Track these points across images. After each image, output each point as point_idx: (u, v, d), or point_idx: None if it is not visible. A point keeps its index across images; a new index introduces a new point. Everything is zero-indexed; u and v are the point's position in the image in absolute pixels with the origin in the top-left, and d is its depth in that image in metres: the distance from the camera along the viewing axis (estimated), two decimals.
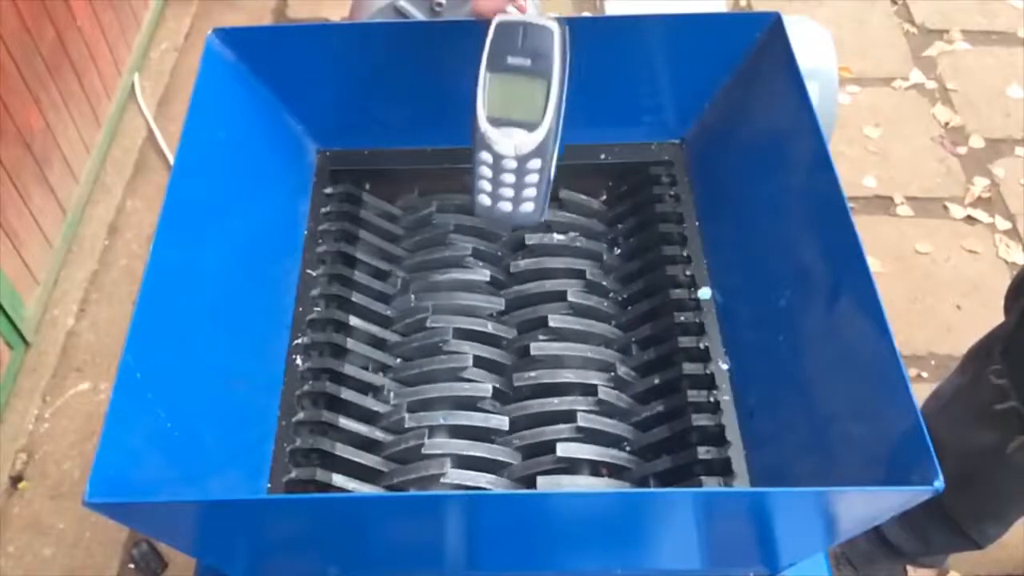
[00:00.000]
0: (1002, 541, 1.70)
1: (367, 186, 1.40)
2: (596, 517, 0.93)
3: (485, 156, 1.06)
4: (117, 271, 2.51)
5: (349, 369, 1.19)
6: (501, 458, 1.12)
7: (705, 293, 1.23)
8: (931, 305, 2.45)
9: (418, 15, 1.55)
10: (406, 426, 1.15)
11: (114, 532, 2.05)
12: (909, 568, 2.01)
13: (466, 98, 1.35)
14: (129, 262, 2.54)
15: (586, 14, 2.88)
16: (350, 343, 1.21)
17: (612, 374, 1.21)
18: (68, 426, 2.22)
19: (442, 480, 1.09)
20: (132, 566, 2.02)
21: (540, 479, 1.10)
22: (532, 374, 1.19)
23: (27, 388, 2.24)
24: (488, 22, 1.04)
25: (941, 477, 0.82)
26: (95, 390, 2.29)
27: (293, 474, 1.09)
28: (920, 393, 0.87)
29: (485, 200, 1.09)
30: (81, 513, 2.05)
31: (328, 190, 1.36)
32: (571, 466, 1.12)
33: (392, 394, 1.20)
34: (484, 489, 1.09)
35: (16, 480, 2.12)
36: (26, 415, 2.20)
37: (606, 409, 1.17)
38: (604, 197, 1.42)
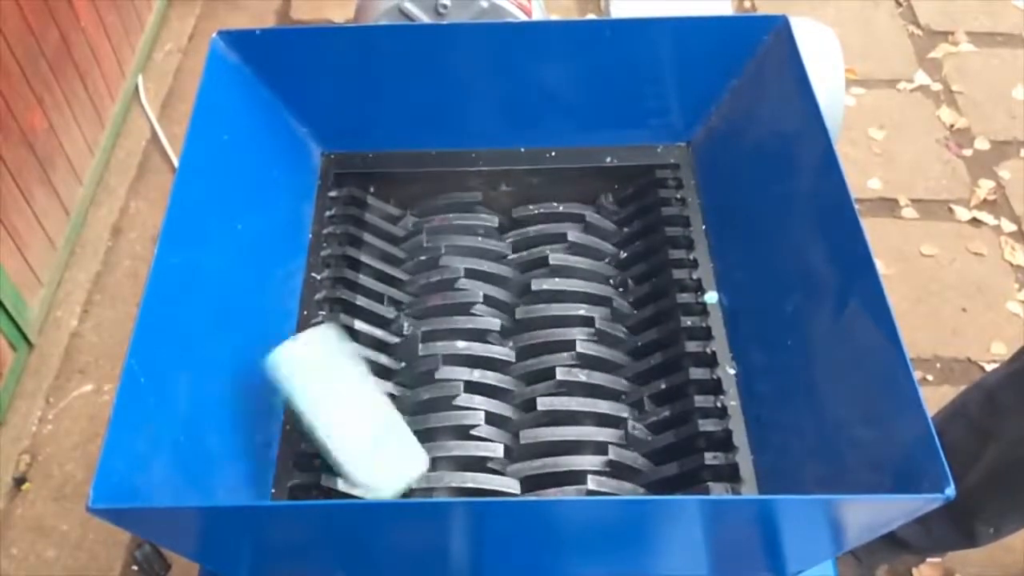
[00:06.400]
0: (1006, 543, 1.68)
1: (372, 189, 1.40)
2: (602, 523, 0.93)
3: None
4: (120, 272, 2.51)
5: None
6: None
7: (712, 297, 1.22)
8: (936, 307, 2.43)
9: (423, 17, 1.55)
10: None
11: (117, 534, 2.04)
12: (913, 569, 1.99)
13: (470, 100, 1.34)
14: (132, 263, 2.53)
15: (590, 16, 2.87)
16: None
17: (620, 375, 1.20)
18: (71, 428, 2.21)
19: None
20: (135, 568, 2.02)
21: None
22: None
23: (30, 389, 2.23)
24: None
25: (952, 484, 0.81)
26: (98, 391, 2.28)
27: (297, 479, 1.08)
28: (926, 397, 0.87)
29: None
30: (84, 515, 2.03)
31: (332, 193, 1.35)
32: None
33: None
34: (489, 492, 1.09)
35: (19, 481, 2.11)
36: (29, 416, 2.19)
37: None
38: (610, 199, 1.42)
